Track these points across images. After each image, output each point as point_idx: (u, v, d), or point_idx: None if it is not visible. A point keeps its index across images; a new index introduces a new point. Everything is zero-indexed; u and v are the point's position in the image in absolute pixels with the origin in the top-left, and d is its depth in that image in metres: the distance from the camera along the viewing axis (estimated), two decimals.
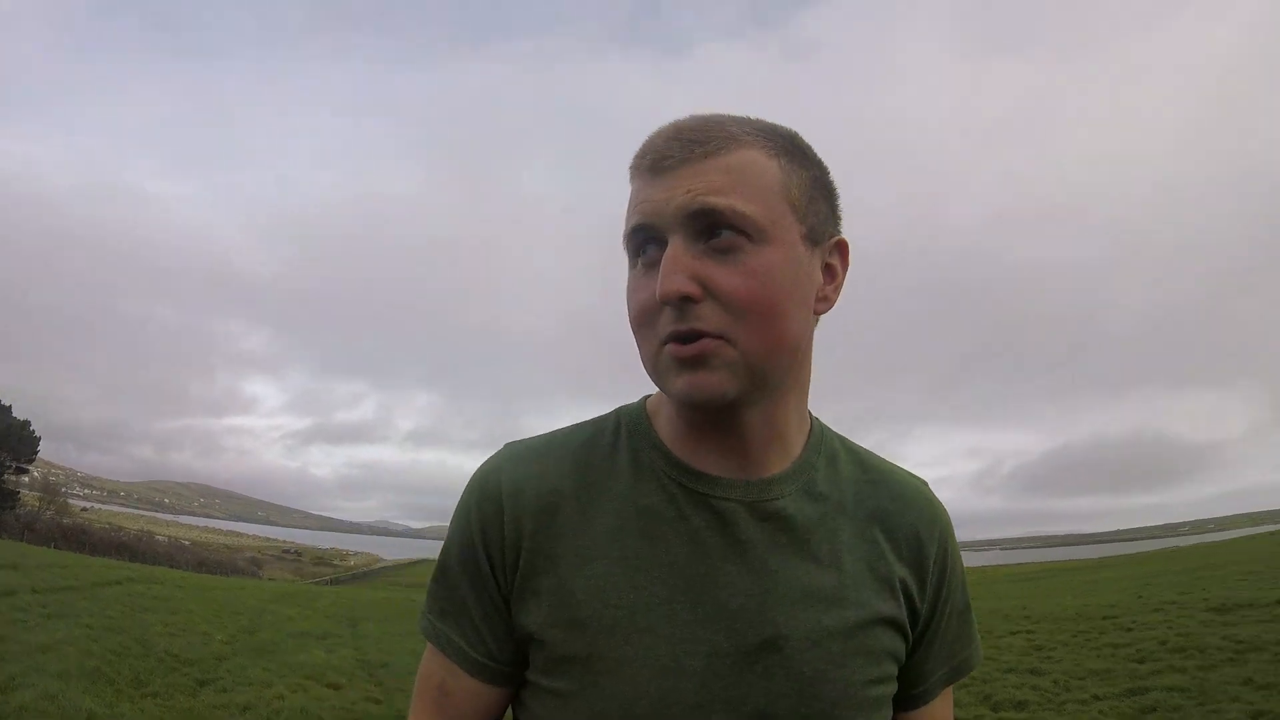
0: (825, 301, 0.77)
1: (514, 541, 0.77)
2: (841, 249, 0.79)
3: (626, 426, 0.82)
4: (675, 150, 0.72)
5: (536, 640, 0.76)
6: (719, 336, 0.70)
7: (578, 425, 0.85)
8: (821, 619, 0.74)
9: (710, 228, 0.70)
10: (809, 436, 0.82)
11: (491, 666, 0.79)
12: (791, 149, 0.75)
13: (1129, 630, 9.96)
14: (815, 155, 0.77)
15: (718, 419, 0.75)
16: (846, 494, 0.81)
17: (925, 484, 0.86)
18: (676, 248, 0.70)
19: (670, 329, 0.71)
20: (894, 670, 0.79)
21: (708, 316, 0.70)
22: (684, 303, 0.69)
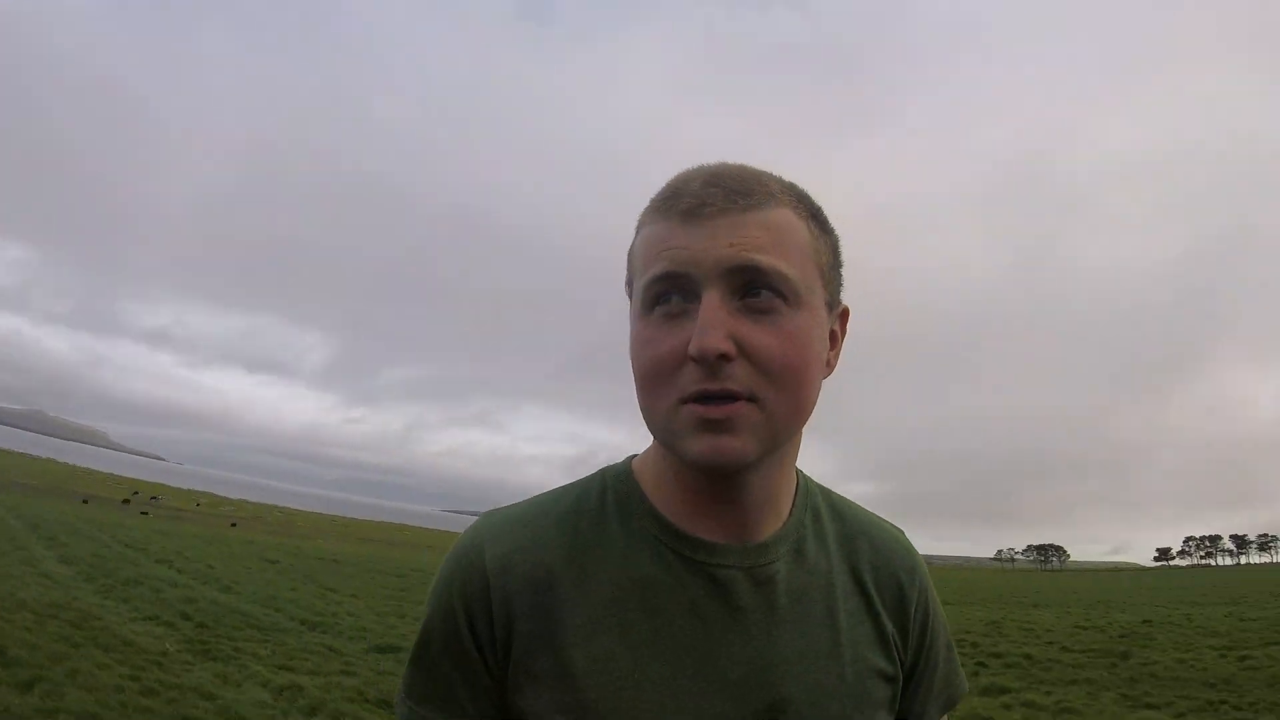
0: (829, 367, 0.76)
1: (505, 622, 0.73)
2: (844, 316, 0.79)
3: (614, 490, 0.79)
4: (715, 199, 0.69)
5: None
6: (749, 399, 0.68)
7: (560, 490, 0.81)
8: (820, 680, 0.75)
9: (748, 285, 0.68)
10: (796, 494, 0.81)
11: None
12: (817, 212, 0.74)
13: None
14: (831, 223, 0.76)
15: (721, 483, 0.73)
16: (833, 550, 0.81)
17: (901, 532, 0.88)
18: (714, 302, 0.67)
19: (698, 388, 0.67)
20: (889, 718, 0.80)
21: (740, 377, 0.67)
22: (719, 361, 0.66)
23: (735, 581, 0.74)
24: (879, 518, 0.88)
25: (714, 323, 0.66)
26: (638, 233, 0.75)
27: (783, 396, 0.69)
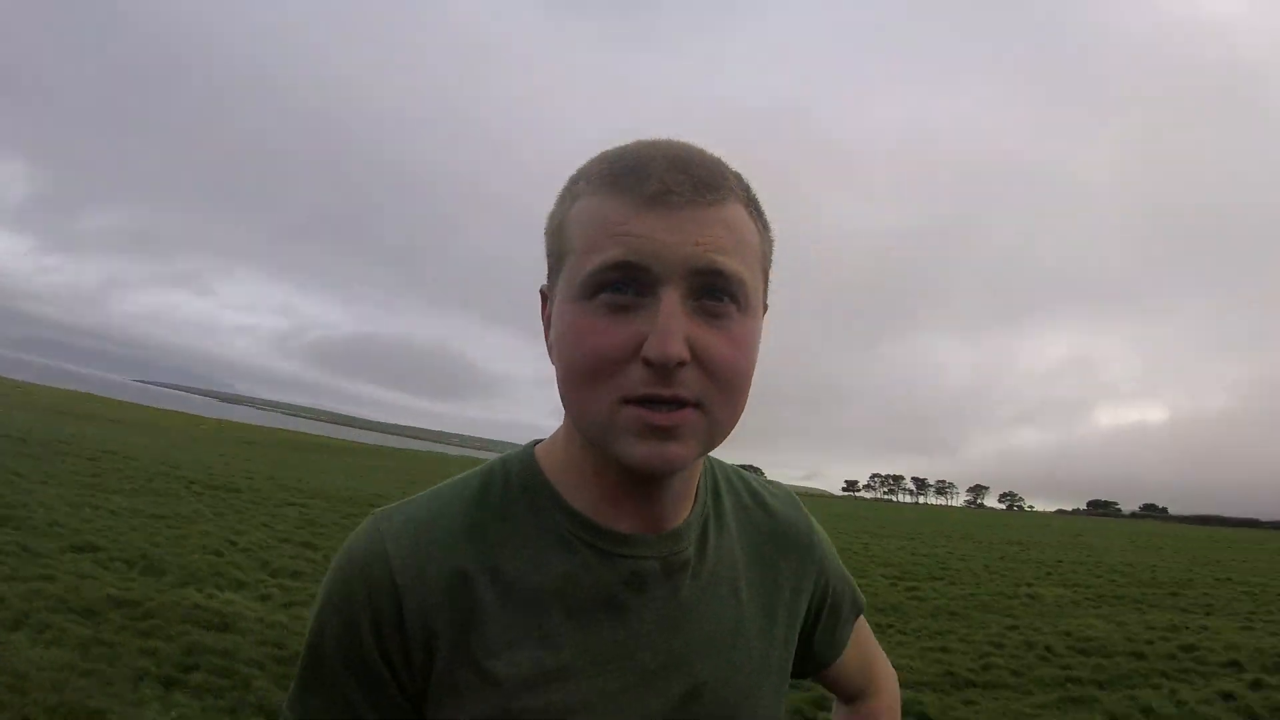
0: None
1: (422, 636, 0.68)
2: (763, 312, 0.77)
3: (519, 482, 0.74)
4: (683, 188, 0.64)
5: None
6: (696, 405, 0.65)
7: (457, 483, 0.75)
8: (730, 658, 0.76)
9: (706, 287, 0.65)
10: (701, 475, 0.80)
11: None
12: (760, 209, 0.71)
13: None
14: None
15: (648, 482, 0.71)
16: (732, 525, 0.81)
17: (790, 492, 0.90)
18: (675, 304, 0.63)
19: (647, 391, 0.63)
20: (786, 684, 0.83)
21: (690, 384, 0.64)
22: (675, 368, 0.63)
23: (651, 572, 0.73)
24: (768, 481, 0.89)
25: (676, 327, 0.63)
26: (572, 200, 0.69)
27: (727, 403, 0.67)
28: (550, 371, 0.71)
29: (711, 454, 0.75)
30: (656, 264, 0.63)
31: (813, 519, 0.89)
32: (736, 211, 0.67)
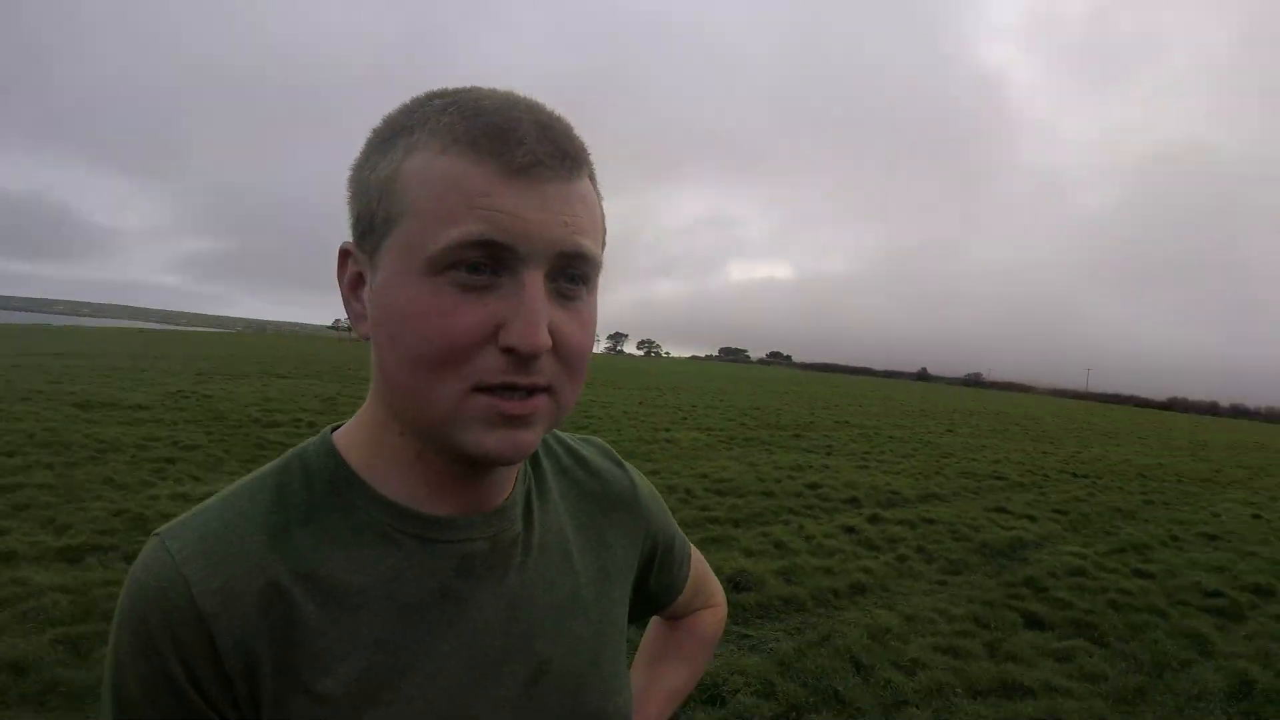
0: None
1: (243, 668, 0.59)
2: None
3: (322, 480, 0.66)
4: (550, 159, 0.59)
5: None
6: (547, 390, 0.61)
7: (249, 485, 0.66)
8: (572, 627, 0.73)
9: (565, 269, 0.60)
10: None
11: None
12: (595, 177, 0.65)
13: None
14: None
15: (481, 466, 0.66)
16: (553, 491, 0.78)
17: (604, 444, 0.87)
18: (540, 288, 0.59)
19: (503, 379, 0.58)
20: (624, 641, 0.80)
21: (547, 370, 0.60)
22: (536, 357, 0.59)
23: (481, 554, 0.68)
24: (580, 438, 0.86)
25: (542, 315, 0.58)
26: (407, 152, 0.59)
27: (573, 385, 0.64)
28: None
29: None
30: (524, 244, 0.58)
31: (632, 470, 0.87)
32: (588, 186, 0.63)
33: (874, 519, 7.38)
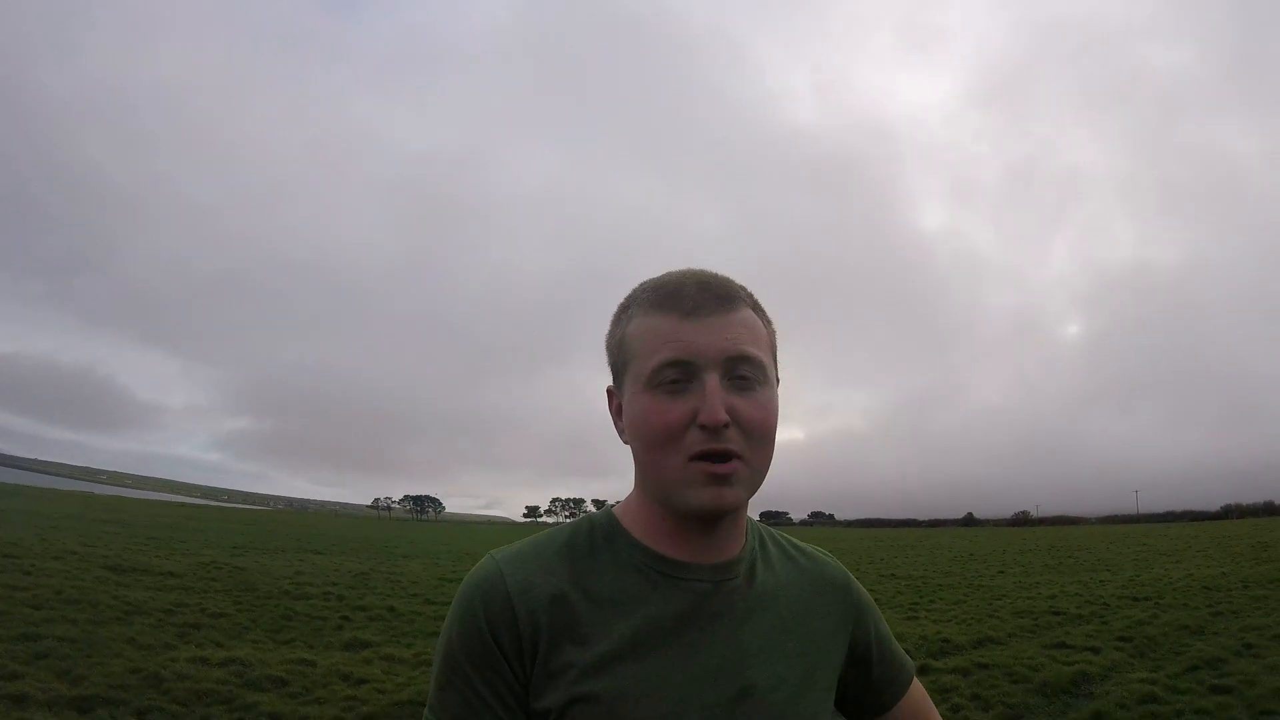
0: None
1: (531, 636, 0.86)
2: None
3: (601, 531, 0.95)
4: (710, 303, 0.88)
5: (556, 715, 0.86)
6: (739, 457, 0.85)
7: (553, 532, 0.96)
8: (776, 669, 0.92)
9: (735, 368, 0.86)
10: (747, 526, 0.99)
11: None
12: (761, 308, 0.94)
13: (28, 574, 9.88)
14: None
15: (706, 521, 0.90)
16: (778, 567, 0.99)
17: (829, 553, 1.09)
18: (716, 383, 0.85)
19: (704, 448, 0.84)
20: (831, 703, 0.99)
21: (734, 440, 0.85)
22: (723, 428, 0.84)
23: (708, 593, 0.91)
24: (813, 547, 1.08)
25: (719, 400, 0.84)
26: (628, 320, 0.92)
27: (761, 454, 0.88)
28: None
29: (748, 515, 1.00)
30: (699, 358, 0.86)
31: (851, 576, 1.07)
32: (748, 314, 0.91)
33: (923, 669, 6.96)
